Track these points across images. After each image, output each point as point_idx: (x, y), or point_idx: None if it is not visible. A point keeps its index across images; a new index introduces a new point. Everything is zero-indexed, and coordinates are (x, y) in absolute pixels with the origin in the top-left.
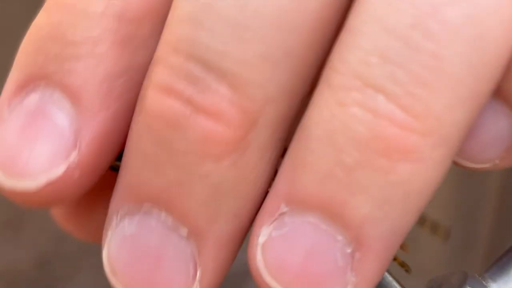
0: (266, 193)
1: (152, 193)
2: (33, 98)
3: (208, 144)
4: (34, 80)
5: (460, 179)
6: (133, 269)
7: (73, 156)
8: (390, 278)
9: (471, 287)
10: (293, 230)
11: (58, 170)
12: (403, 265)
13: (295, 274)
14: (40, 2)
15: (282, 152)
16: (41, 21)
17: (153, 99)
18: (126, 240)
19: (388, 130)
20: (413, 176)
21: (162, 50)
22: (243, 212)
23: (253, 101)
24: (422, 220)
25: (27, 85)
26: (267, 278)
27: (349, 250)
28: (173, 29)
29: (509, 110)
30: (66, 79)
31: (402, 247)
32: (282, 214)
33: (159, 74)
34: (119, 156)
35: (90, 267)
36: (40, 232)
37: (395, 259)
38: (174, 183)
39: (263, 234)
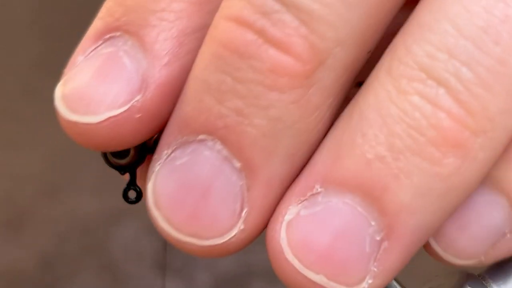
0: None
1: (210, 122)
2: (108, 46)
3: (274, 74)
4: (111, 30)
5: None
6: (178, 201)
7: (137, 99)
8: None
9: (471, 287)
10: (326, 210)
11: (121, 109)
12: None
13: (320, 255)
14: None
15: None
16: None
17: (224, 28)
18: (175, 170)
19: (444, 122)
20: (457, 172)
21: None
22: (298, 154)
23: (323, 40)
24: None
25: (104, 34)
26: (289, 256)
27: (378, 238)
28: None
29: (505, 201)
30: (141, 30)
31: None
32: (315, 194)
33: (232, 6)
34: (118, 153)
35: (91, 267)
36: (41, 232)
37: None
38: (234, 112)
39: (290, 213)
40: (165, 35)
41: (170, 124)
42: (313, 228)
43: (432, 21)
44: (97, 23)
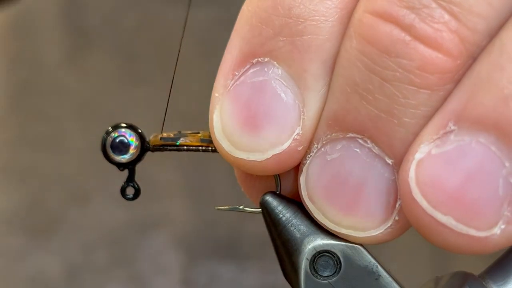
0: None
1: (359, 122)
2: (258, 72)
3: (424, 72)
4: (259, 54)
5: None
6: (332, 195)
7: (297, 132)
8: (390, 279)
9: (471, 287)
10: (458, 149)
11: (283, 146)
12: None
13: (448, 195)
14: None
15: None
16: None
17: (370, 24)
18: (327, 165)
19: None
20: None
21: None
22: None
23: (474, 32)
24: None
25: (251, 58)
26: (417, 195)
27: None
28: None
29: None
30: (291, 57)
31: None
32: (448, 132)
33: (378, 0)
34: (118, 150)
35: (118, 279)
36: (69, 240)
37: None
38: (384, 112)
39: (420, 151)
40: (316, 62)
41: (320, 120)
42: (443, 167)
43: None
44: (242, 43)
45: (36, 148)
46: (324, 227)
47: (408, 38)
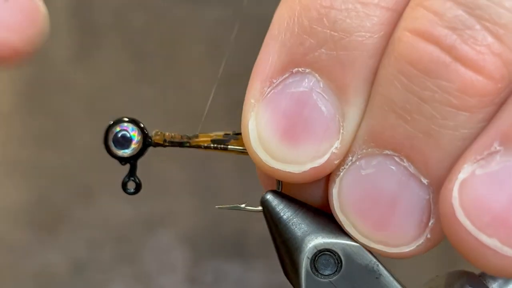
0: None
1: (396, 140)
2: (298, 83)
3: (464, 95)
4: (300, 64)
5: None
6: (364, 210)
7: (336, 145)
8: (391, 278)
9: (472, 287)
10: (505, 170)
11: (322, 160)
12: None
13: (495, 217)
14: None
15: None
16: (309, 1)
17: (410, 43)
18: (361, 179)
19: None
20: None
21: None
22: None
23: None
24: None
25: (291, 67)
26: (461, 217)
27: None
28: None
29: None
30: (334, 70)
31: None
32: (493, 153)
33: (419, 18)
34: (120, 144)
35: (124, 277)
36: (75, 236)
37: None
38: (421, 132)
39: (464, 172)
40: (358, 78)
41: (357, 134)
42: (488, 188)
43: None
44: (283, 54)
45: (43, 144)
46: (355, 240)
47: (448, 59)
